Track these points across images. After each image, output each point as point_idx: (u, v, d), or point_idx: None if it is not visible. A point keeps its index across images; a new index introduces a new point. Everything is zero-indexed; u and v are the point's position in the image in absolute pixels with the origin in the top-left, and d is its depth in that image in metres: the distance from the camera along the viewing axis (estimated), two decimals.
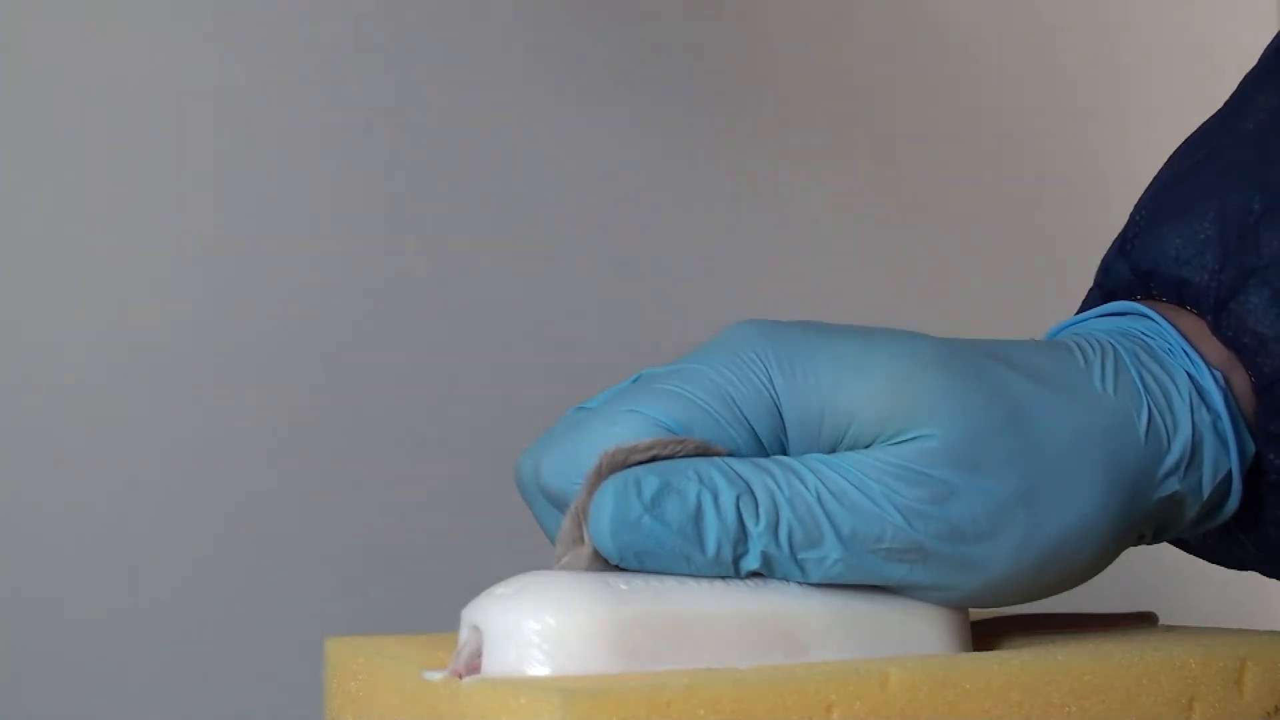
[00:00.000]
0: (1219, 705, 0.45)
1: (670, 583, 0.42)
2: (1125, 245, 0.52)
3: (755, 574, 0.43)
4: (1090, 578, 0.47)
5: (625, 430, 0.43)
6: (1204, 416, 0.47)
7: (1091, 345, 0.48)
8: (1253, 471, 0.49)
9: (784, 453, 0.44)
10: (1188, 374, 0.48)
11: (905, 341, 0.45)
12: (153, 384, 0.85)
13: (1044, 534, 0.44)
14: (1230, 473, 0.48)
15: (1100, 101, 1.20)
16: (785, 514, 0.42)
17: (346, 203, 0.91)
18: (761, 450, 0.44)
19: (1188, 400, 0.47)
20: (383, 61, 0.92)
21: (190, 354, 0.86)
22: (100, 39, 0.84)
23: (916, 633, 0.44)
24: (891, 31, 1.11)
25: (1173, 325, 0.49)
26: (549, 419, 0.46)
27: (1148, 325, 0.49)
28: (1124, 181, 0.56)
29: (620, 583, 0.41)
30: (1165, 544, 0.52)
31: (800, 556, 0.42)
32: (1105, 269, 0.53)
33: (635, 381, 0.45)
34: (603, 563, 0.42)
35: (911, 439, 0.43)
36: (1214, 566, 0.54)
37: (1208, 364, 0.48)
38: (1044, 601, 0.48)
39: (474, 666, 0.40)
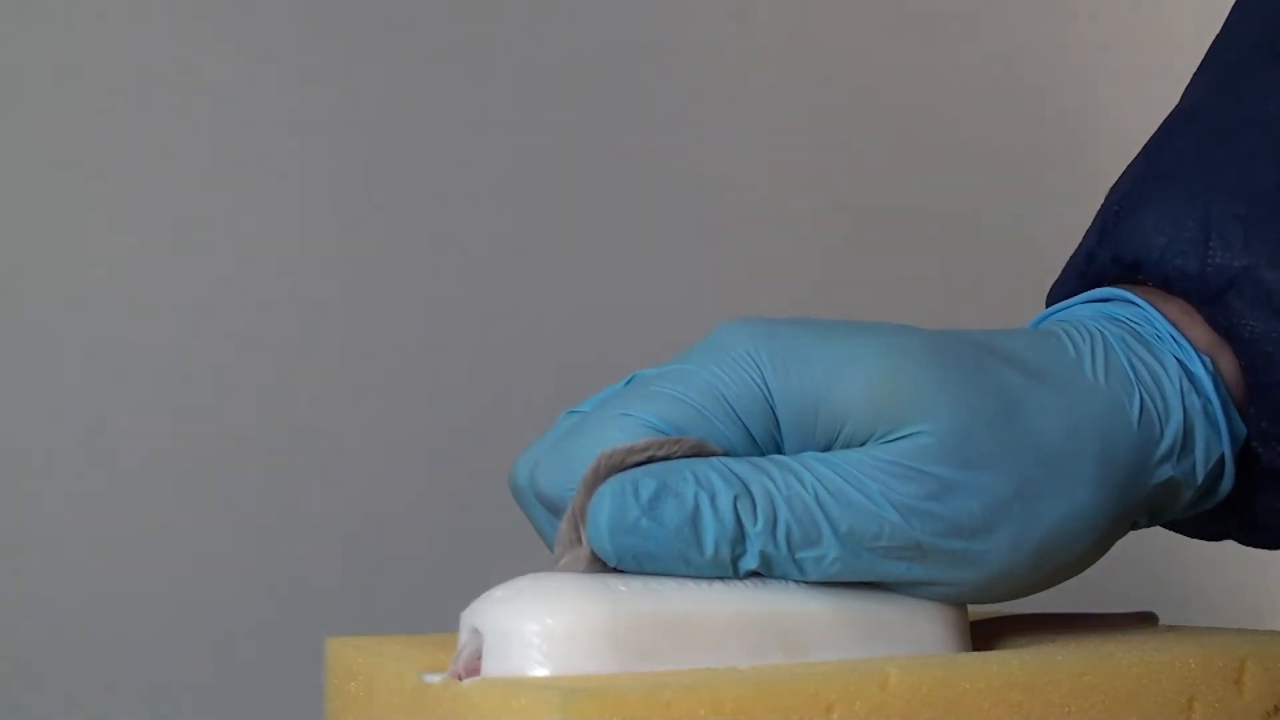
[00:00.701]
0: (1219, 705, 0.45)
1: (669, 583, 0.42)
2: (1104, 234, 0.52)
3: (754, 574, 0.43)
4: (1087, 567, 0.47)
5: (619, 435, 0.43)
6: (1194, 401, 0.47)
7: (1080, 333, 0.48)
8: (1244, 455, 0.49)
9: (779, 451, 0.44)
10: (1177, 359, 0.48)
11: (897, 337, 0.45)
12: (153, 383, 0.85)
13: (1040, 526, 0.44)
14: (1223, 457, 0.48)
15: (1089, 88, 1.20)
16: (783, 513, 0.42)
17: (346, 203, 0.91)
18: (756, 449, 0.44)
19: (1178, 386, 0.47)
20: (378, 57, 0.92)
21: (191, 353, 0.86)
22: (100, 40, 0.84)
23: (916, 631, 0.44)
24: (887, 27, 1.11)
25: (1159, 310, 0.49)
26: (548, 419, 0.46)
27: (1134, 311, 0.49)
28: (1111, 169, 0.56)
29: (619, 584, 0.41)
30: (1164, 545, 0.52)
31: (798, 556, 0.42)
32: (1088, 256, 0.52)
33: (628, 383, 0.45)
34: (601, 564, 0.42)
35: (906, 436, 0.43)
36: (1214, 566, 0.54)
37: (1195, 349, 0.48)
38: (1044, 601, 0.48)
39: (474, 668, 0.40)
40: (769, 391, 0.43)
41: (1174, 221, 0.50)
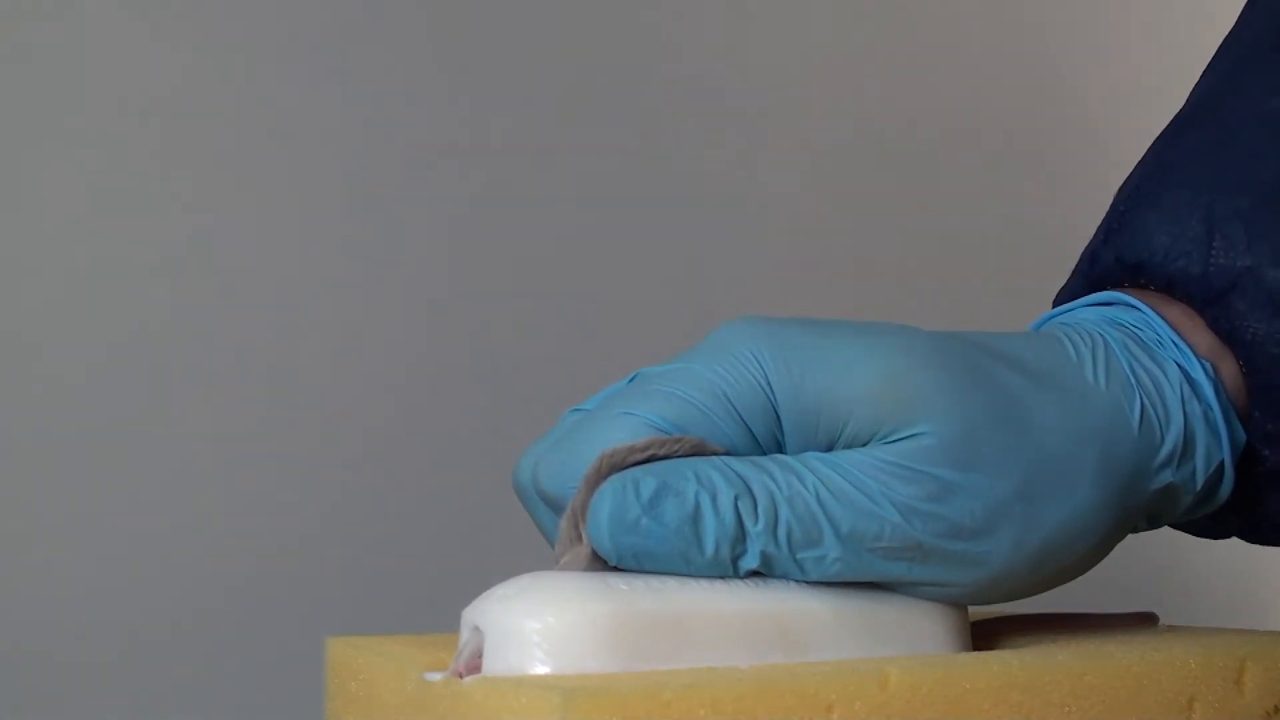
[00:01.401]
0: (1219, 705, 0.45)
1: (670, 582, 0.42)
2: (1109, 235, 0.52)
3: (754, 573, 0.43)
4: (1086, 571, 0.47)
5: (621, 433, 0.43)
6: (1195, 408, 0.47)
7: (1081, 336, 0.48)
8: (1246, 459, 0.49)
9: (780, 451, 0.44)
10: (1178, 365, 0.48)
11: (900, 338, 0.45)
12: (154, 383, 0.85)
13: (1041, 529, 0.44)
14: (1223, 463, 0.48)
15: (1094, 92, 1.20)
16: (784, 513, 0.42)
17: (346, 204, 0.91)
18: (758, 449, 0.44)
19: (1179, 392, 0.47)
20: (378, 62, 0.92)
21: (191, 353, 0.86)
22: (99, 40, 0.84)
23: (916, 631, 0.44)
24: (888, 25, 1.11)
25: (1160, 316, 0.49)
26: (549, 418, 0.46)
27: (1135, 316, 0.49)
28: (1118, 170, 0.56)
29: (620, 583, 0.41)
30: (1165, 545, 0.52)
31: (799, 556, 0.42)
32: (1091, 257, 0.52)
33: (631, 382, 0.45)
34: (601, 563, 0.42)
35: (907, 437, 0.43)
36: (1214, 566, 0.54)
37: (1196, 355, 0.48)
38: (1044, 601, 0.48)
39: (474, 666, 0.40)
40: (771, 391, 0.43)
41: (1178, 220, 0.50)
